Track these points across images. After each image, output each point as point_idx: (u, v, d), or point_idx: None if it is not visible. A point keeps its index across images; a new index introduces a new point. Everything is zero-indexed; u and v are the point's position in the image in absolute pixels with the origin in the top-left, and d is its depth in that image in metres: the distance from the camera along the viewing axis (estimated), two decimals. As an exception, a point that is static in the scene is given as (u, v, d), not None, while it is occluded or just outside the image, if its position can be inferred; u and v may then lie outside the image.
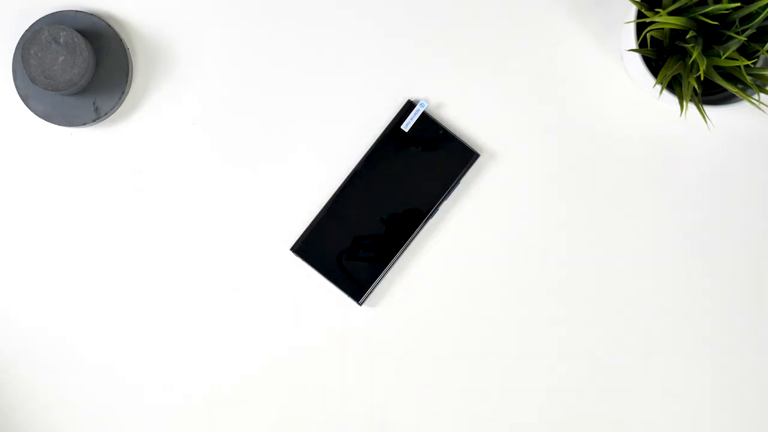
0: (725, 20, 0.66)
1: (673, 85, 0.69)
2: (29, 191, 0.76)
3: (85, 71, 0.71)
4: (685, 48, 0.67)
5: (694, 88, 0.67)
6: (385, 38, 0.76)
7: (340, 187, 0.75)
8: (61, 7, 0.75)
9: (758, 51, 0.67)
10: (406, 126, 0.75)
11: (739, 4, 0.64)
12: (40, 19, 0.74)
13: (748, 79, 0.66)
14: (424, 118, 0.75)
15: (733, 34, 0.65)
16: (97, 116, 0.74)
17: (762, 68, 0.67)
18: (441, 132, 0.75)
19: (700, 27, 0.67)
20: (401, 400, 0.75)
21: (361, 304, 0.75)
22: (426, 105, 0.75)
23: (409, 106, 0.75)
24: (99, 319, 0.76)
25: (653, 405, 0.75)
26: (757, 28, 0.66)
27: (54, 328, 0.75)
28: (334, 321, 0.75)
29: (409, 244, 0.75)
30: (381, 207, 0.75)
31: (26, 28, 0.74)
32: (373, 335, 0.75)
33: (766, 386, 0.76)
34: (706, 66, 0.66)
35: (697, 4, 0.66)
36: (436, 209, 0.75)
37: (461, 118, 0.76)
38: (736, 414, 0.76)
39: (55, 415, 0.75)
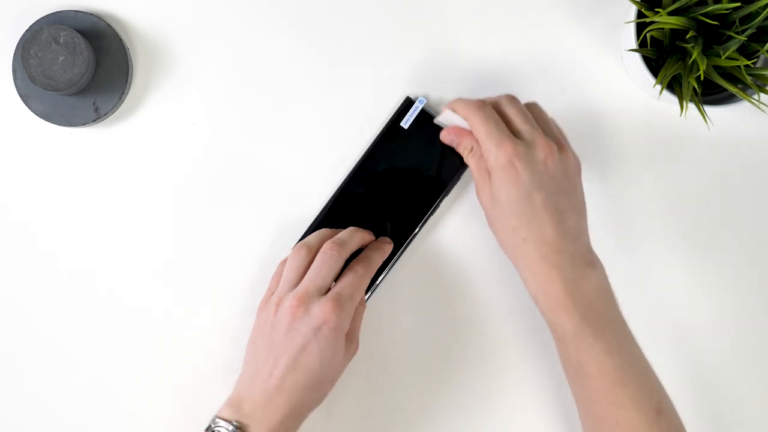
0: (725, 20, 0.66)
1: (673, 85, 0.69)
2: (29, 191, 0.76)
3: (85, 71, 0.71)
4: (685, 48, 0.67)
5: (694, 88, 0.67)
6: (383, 35, 0.76)
7: (340, 185, 0.75)
8: (61, 7, 0.75)
9: (758, 51, 0.67)
10: (406, 123, 0.75)
11: (739, 4, 0.64)
12: (40, 19, 0.74)
13: (748, 79, 0.66)
14: (423, 114, 0.75)
15: (733, 34, 0.65)
16: (97, 116, 0.74)
17: (762, 68, 0.67)
18: (441, 129, 0.75)
19: (700, 27, 0.67)
20: (401, 400, 0.75)
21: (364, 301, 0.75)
22: (425, 101, 0.75)
23: (408, 102, 0.75)
24: (99, 321, 0.76)
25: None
26: (757, 28, 0.66)
27: (54, 330, 0.75)
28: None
29: (409, 242, 0.75)
30: (381, 204, 0.74)
31: (26, 28, 0.74)
32: (373, 333, 0.75)
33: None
34: (706, 66, 0.66)
35: (697, 4, 0.66)
36: (437, 206, 0.75)
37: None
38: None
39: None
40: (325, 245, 0.68)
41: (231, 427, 0.63)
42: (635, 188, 0.76)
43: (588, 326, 0.63)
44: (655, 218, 0.76)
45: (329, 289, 0.67)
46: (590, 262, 0.65)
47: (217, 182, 0.76)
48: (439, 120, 0.72)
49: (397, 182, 0.75)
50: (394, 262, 0.74)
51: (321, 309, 0.64)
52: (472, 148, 0.68)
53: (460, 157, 0.74)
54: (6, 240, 0.76)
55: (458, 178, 0.75)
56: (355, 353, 0.70)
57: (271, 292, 0.69)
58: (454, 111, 0.69)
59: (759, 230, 0.76)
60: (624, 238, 0.76)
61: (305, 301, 0.65)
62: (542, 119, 0.69)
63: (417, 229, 0.75)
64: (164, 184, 0.76)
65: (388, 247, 0.72)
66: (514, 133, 0.66)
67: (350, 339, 0.68)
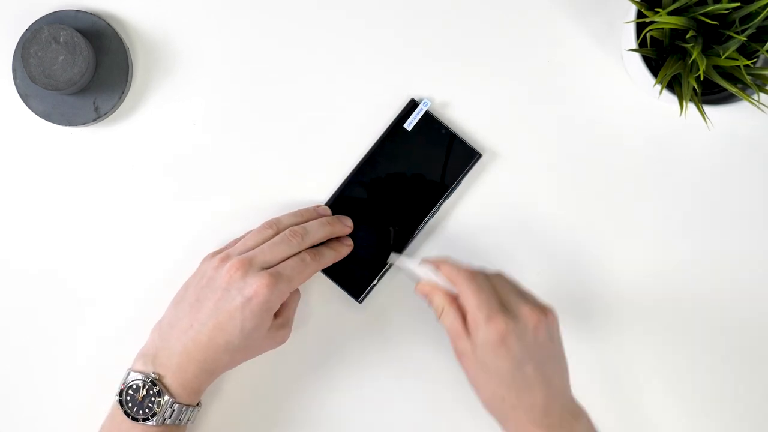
0: (725, 20, 0.66)
1: (673, 85, 0.69)
2: (29, 191, 0.76)
3: (85, 71, 0.71)
4: (685, 48, 0.67)
5: (694, 88, 0.67)
6: (387, 37, 0.76)
7: (341, 185, 0.75)
8: (61, 7, 0.75)
9: (758, 51, 0.67)
10: (409, 125, 0.75)
11: (739, 4, 0.65)
12: (40, 18, 0.74)
13: (748, 79, 0.66)
14: (427, 117, 0.75)
15: (733, 34, 0.65)
16: (97, 116, 0.74)
17: (762, 68, 0.67)
18: (444, 131, 0.75)
19: (700, 27, 0.67)
20: (401, 399, 0.75)
21: (361, 302, 0.75)
22: (429, 104, 0.75)
23: (413, 104, 0.75)
24: (100, 321, 0.76)
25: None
26: (757, 28, 0.67)
27: (52, 327, 0.75)
28: (334, 318, 0.75)
29: (409, 243, 0.75)
30: (382, 206, 0.75)
31: (26, 28, 0.74)
32: (373, 333, 0.75)
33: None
34: (706, 66, 0.66)
35: (697, 4, 0.66)
36: (438, 209, 0.75)
37: (464, 118, 0.76)
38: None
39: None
40: (289, 229, 0.69)
41: (148, 380, 0.65)
42: (635, 187, 0.76)
43: None
44: (655, 217, 0.76)
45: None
46: (575, 413, 0.66)
47: (218, 182, 0.76)
48: (415, 271, 0.69)
49: (400, 183, 0.75)
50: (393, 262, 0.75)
51: (257, 281, 0.65)
52: (443, 310, 0.67)
53: (462, 161, 0.74)
54: (6, 239, 0.76)
55: (460, 181, 0.75)
56: (284, 340, 0.70)
57: (224, 248, 0.70)
58: (437, 270, 0.68)
59: (759, 229, 0.76)
60: (624, 236, 0.76)
61: (245, 267, 0.65)
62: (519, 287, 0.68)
63: (418, 231, 0.75)
64: (164, 184, 0.76)
65: (345, 250, 0.73)
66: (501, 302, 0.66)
67: (281, 324, 0.69)
